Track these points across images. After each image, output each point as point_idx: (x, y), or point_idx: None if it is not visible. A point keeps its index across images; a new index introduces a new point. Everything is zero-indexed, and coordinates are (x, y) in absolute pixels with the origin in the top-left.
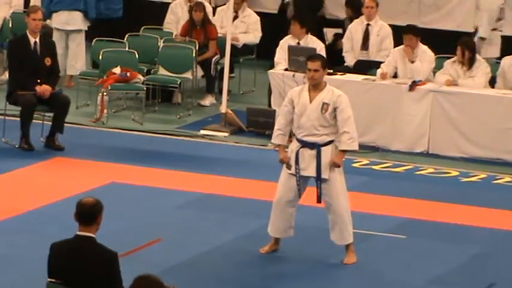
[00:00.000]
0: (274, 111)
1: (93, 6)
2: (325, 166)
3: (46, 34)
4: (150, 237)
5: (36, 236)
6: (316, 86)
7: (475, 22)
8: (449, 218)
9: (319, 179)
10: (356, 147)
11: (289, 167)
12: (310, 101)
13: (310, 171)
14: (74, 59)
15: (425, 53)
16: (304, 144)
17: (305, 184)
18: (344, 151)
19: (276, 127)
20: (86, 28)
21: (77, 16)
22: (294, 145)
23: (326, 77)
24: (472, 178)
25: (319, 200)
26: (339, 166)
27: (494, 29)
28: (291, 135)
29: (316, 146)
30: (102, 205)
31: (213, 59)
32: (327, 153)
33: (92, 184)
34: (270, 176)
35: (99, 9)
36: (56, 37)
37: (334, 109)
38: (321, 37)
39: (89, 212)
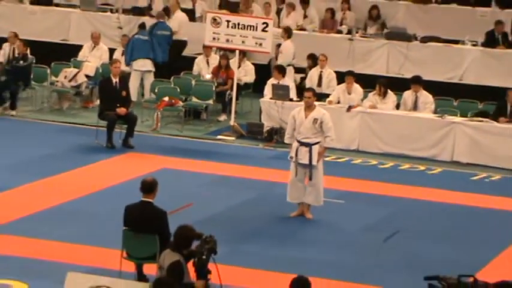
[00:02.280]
0: (263, 124)
1: (159, 56)
2: (314, 157)
3: (123, 76)
4: (186, 202)
5: (115, 201)
6: (309, 107)
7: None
8: (371, 190)
9: (310, 165)
10: (334, 146)
11: (291, 158)
12: (306, 117)
13: (305, 160)
14: (148, 91)
15: (357, 88)
16: (302, 144)
17: (302, 169)
18: (326, 148)
19: (286, 133)
20: (154, 70)
21: (149, 62)
22: (295, 144)
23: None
24: (385, 165)
25: (310, 179)
26: (321, 155)
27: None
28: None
29: (309, 145)
30: (157, 181)
31: (227, 92)
32: (315, 149)
33: (150, 169)
34: (260, 164)
35: (160, 57)
36: (134, 76)
37: (321, 122)
38: (292, 79)
39: (148, 186)
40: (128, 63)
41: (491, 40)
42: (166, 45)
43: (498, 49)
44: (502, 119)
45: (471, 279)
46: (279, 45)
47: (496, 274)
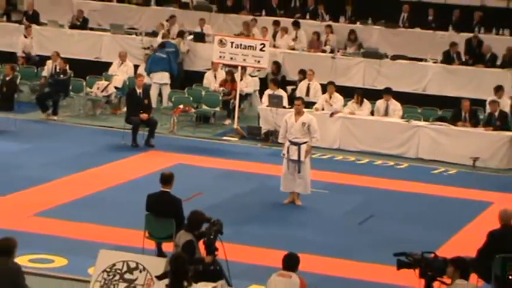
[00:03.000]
0: (261, 127)
1: (175, 69)
2: (302, 154)
3: (145, 88)
4: (197, 191)
5: (139, 191)
6: (299, 113)
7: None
8: (350, 182)
9: (299, 161)
10: (319, 145)
11: (284, 154)
12: (296, 121)
13: (295, 156)
14: (165, 99)
15: (338, 97)
16: (292, 143)
17: (293, 164)
18: (312, 146)
19: (279, 134)
20: (170, 82)
21: (166, 75)
22: (286, 143)
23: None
24: (362, 161)
25: (299, 172)
26: (308, 153)
27: None
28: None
29: (298, 144)
30: (173, 174)
31: (231, 100)
32: (303, 147)
33: (168, 164)
34: (258, 160)
35: (175, 70)
36: (154, 87)
37: (308, 125)
38: (285, 90)
39: (166, 178)
40: (148, 74)
41: (447, 58)
42: (176, 58)
43: (454, 66)
44: (459, 123)
45: (432, 255)
46: (274, 62)
47: (452, 251)
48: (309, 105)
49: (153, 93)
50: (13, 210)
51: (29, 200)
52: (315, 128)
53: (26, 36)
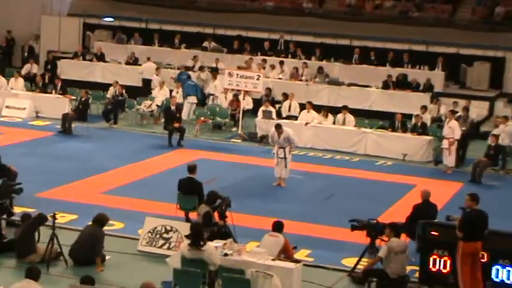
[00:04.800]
0: (257, 133)
1: (199, 94)
2: (286, 153)
3: (177, 105)
4: (213, 177)
5: (173, 176)
6: (280, 133)
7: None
8: (318, 170)
9: (284, 158)
10: (297, 145)
11: (274, 153)
12: (279, 138)
13: (281, 155)
14: (192, 114)
15: (312, 113)
16: (279, 147)
17: (280, 159)
18: (291, 148)
19: (270, 141)
20: (197, 101)
21: (195, 97)
22: (276, 148)
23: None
24: (326, 156)
25: (285, 166)
26: (290, 152)
27: None
28: None
29: (283, 147)
30: (196, 165)
31: (237, 114)
32: (287, 149)
33: (193, 158)
34: (256, 156)
35: (199, 93)
36: (187, 106)
37: (287, 137)
38: (273, 107)
39: (192, 167)
40: (184, 97)
41: (385, 85)
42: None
43: (389, 90)
44: (393, 130)
45: (375, 221)
46: (267, 88)
47: (388, 218)
48: (291, 118)
49: (187, 109)
50: (87, 189)
51: (97, 182)
52: (292, 138)
53: None
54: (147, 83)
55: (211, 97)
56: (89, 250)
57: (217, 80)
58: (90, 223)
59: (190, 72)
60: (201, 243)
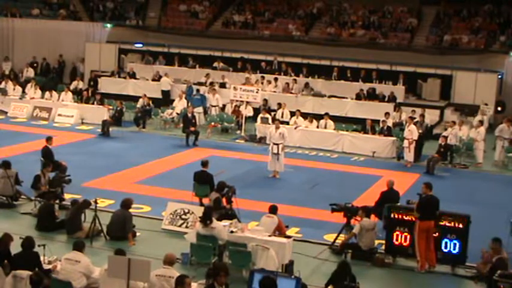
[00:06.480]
0: (256, 134)
1: (205, 105)
2: (280, 150)
3: (193, 114)
4: (221, 169)
5: (189, 169)
6: (277, 127)
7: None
8: (305, 165)
9: (278, 154)
10: (288, 144)
11: (269, 150)
12: (275, 132)
13: (276, 151)
14: (203, 120)
15: (301, 119)
16: (274, 144)
17: (275, 155)
18: (284, 146)
19: (267, 139)
20: (203, 111)
21: (201, 108)
22: (271, 145)
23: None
24: (312, 153)
25: (278, 159)
26: (283, 149)
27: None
28: None
29: (277, 144)
30: (208, 161)
31: (240, 120)
32: (281, 146)
33: (205, 155)
34: (255, 153)
35: (205, 105)
36: (197, 115)
37: (282, 134)
38: (270, 114)
39: (204, 162)
40: (193, 106)
41: (358, 97)
42: (204, 99)
43: (361, 101)
44: (365, 133)
45: (350, 205)
46: (264, 99)
47: (361, 202)
48: (283, 123)
49: (199, 118)
50: (122, 180)
51: (131, 174)
52: (286, 135)
53: None
54: (165, 94)
55: (212, 108)
56: (120, 228)
57: (217, 94)
58: (119, 208)
59: (202, 87)
60: (208, 222)
